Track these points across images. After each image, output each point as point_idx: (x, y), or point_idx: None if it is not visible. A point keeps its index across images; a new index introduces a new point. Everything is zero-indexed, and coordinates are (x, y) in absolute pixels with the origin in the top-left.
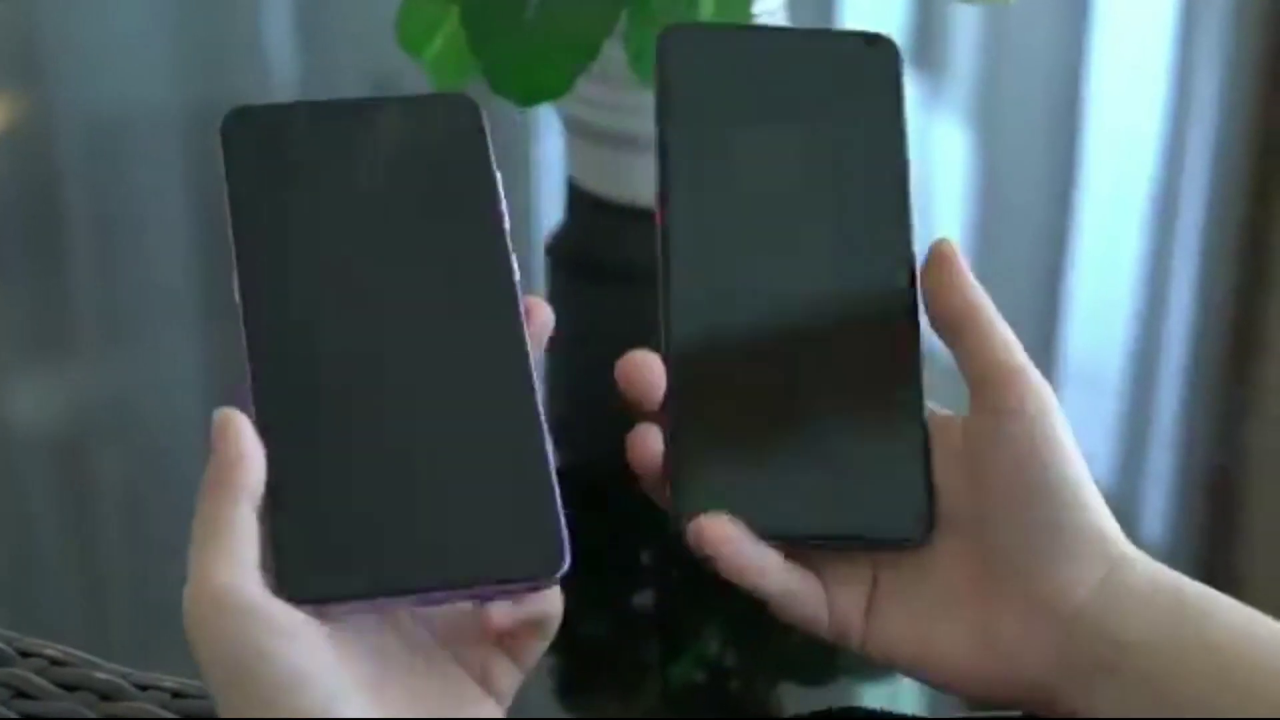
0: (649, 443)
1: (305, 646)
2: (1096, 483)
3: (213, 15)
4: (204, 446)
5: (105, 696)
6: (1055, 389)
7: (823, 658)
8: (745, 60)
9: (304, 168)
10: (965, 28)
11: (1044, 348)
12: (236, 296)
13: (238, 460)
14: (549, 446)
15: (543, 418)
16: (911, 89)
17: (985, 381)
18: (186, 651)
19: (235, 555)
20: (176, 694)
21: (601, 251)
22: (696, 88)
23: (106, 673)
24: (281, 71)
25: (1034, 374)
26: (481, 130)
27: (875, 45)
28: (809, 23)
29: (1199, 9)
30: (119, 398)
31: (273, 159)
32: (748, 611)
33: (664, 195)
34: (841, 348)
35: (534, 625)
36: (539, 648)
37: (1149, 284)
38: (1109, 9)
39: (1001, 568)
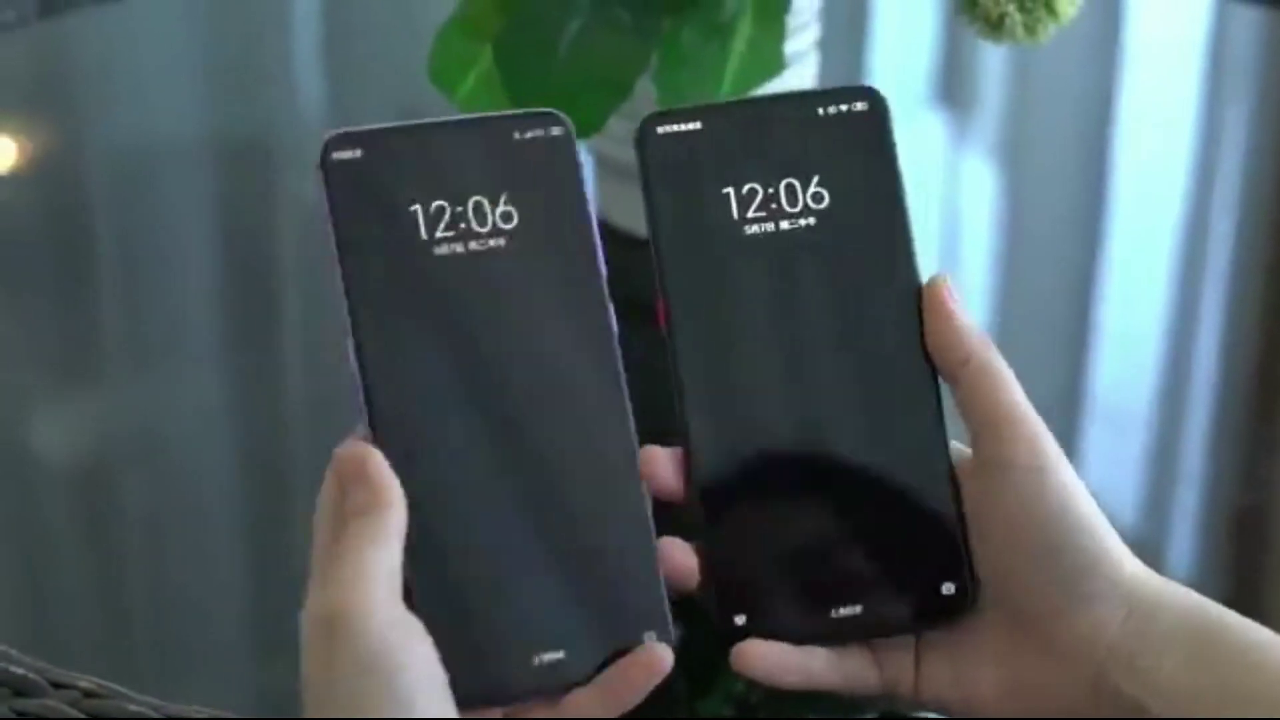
0: (677, 557)
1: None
2: (1123, 519)
3: (243, 48)
4: (227, 475)
5: None
6: (1082, 424)
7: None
8: (729, 137)
9: (410, 201)
10: (993, 64)
11: (1071, 383)
12: (350, 348)
13: (388, 502)
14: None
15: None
16: (940, 125)
17: (983, 431)
18: (213, 682)
19: (383, 590)
20: None
21: (633, 289)
22: (683, 177)
23: (139, 705)
24: (311, 106)
25: (1031, 423)
26: (575, 153)
27: (863, 99)
28: (841, 61)
29: (1227, 44)
30: (145, 426)
31: (377, 191)
32: None
33: (665, 298)
34: (863, 432)
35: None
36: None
37: (1177, 320)
38: (1139, 44)
39: (1024, 619)
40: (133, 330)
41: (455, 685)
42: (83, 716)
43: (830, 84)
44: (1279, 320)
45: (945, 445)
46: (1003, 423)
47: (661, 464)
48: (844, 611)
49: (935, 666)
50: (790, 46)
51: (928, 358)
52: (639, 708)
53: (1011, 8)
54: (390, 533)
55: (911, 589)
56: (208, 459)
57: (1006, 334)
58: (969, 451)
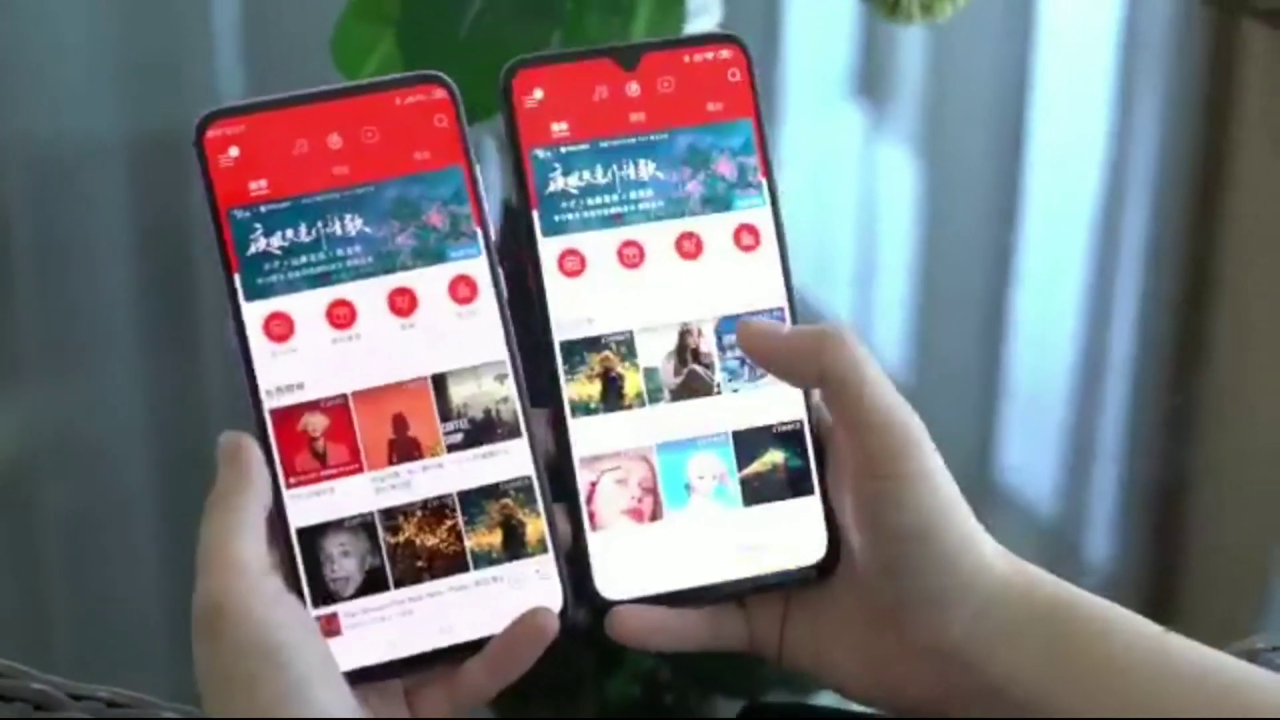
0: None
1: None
2: (1039, 497)
3: (159, 40)
4: (149, 475)
5: None
6: (999, 406)
7: (755, 670)
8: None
9: (291, 172)
10: (910, 52)
11: (989, 367)
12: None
13: (248, 483)
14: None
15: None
16: (858, 115)
17: (849, 435)
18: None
19: (254, 574)
20: None
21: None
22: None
23: (172, 713)
24: (222, 94)
25: (899, 427)
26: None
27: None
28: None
29: (1139, 28)
30: (64, 426)
31: (255, 165)
32: None
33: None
34: (729, 391)
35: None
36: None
37: (1091, 303)
38: (1052, 31)
39: (879, 610)
40: (49, 330)
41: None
42: None
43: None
44: (1191, 302)
45: (810, 409)
46: (874, 431)
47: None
48: (712, 576)
49: (799, 634)
50: (691, 29)
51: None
52: (546, 686)
53: None
54: (250, 515)
55: (774, 552)
56: (130, 458)
57: (925, 322)
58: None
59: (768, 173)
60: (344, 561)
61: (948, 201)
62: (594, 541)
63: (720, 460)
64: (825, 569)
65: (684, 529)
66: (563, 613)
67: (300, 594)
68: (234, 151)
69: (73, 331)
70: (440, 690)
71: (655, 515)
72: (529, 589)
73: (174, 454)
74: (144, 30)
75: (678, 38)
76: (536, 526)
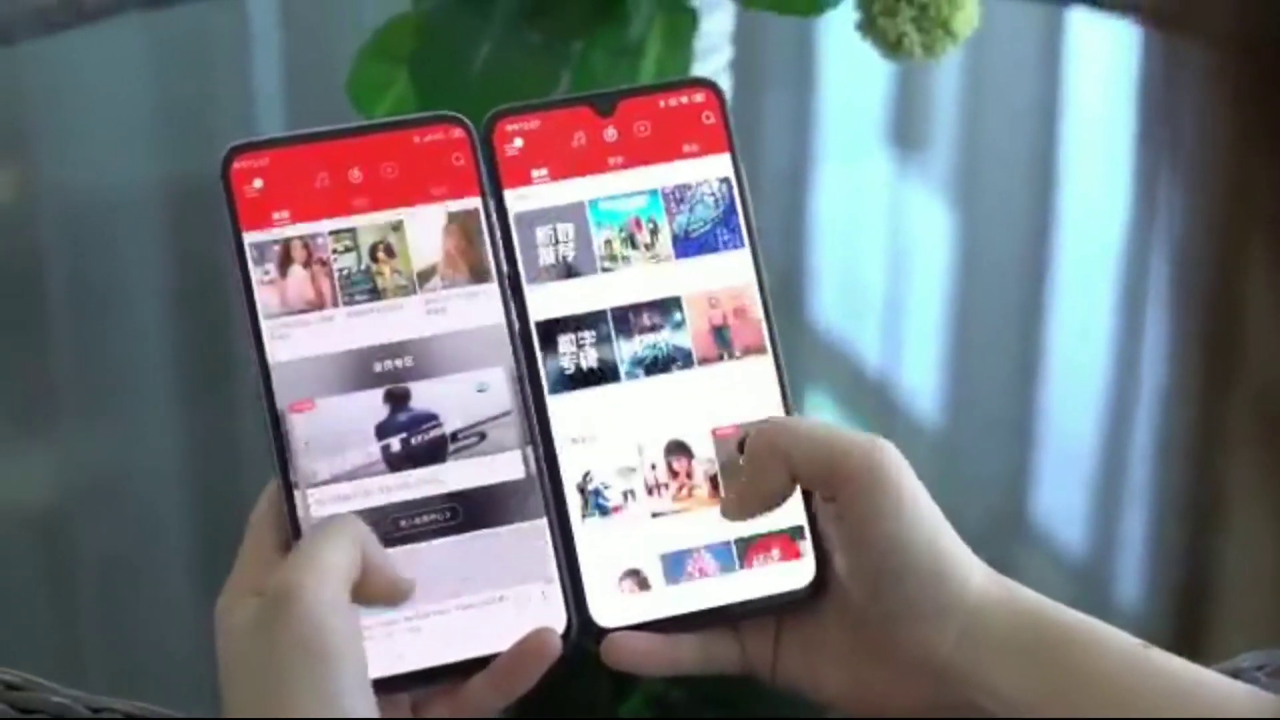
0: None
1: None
2: (1071, 542)
3: (199, 86)
4: (184, 520)
5: None
6: (1031, 451)
7: (764, 691)
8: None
9: (313, 209)
10: (942, 101)
11: (1020, 410)
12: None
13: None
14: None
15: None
16: (891, 163)
17: (812, 480)
18: None
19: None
20: None
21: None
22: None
23: None
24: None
25: (855, 450)
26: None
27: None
28: (788, 100)
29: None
30: (99, 469)
31: (279, 200)
32: None
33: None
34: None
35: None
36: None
37: (1121, 347)
38: (1081, 81)
39: (866, 629)
40: (85, 375)
41: None
42: None
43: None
44: (1220, 345)
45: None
46: (832, 464)
47: None
48: (704, 600)
49: (791, 654)
50: (700, 69)
51: (779, 361)
52: (560, 708)
53: (909, 28)
54: (349, 534)
55: (763, 579)
56: (164, 502)
57: (956, 367)
58: None
59: (746, 213)
60: None
61: (979, 248)
62: (587, 568)
63: (720, 562)
64: (816, 589)
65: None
66: (565, 634)
67: None
68: (258, 183)
69: (108, 376)
70: (445, 705)
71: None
72: (534, 610)
73: (207, 498)
74: (180, 78)
75: (652, 83)
76: (543, 550)
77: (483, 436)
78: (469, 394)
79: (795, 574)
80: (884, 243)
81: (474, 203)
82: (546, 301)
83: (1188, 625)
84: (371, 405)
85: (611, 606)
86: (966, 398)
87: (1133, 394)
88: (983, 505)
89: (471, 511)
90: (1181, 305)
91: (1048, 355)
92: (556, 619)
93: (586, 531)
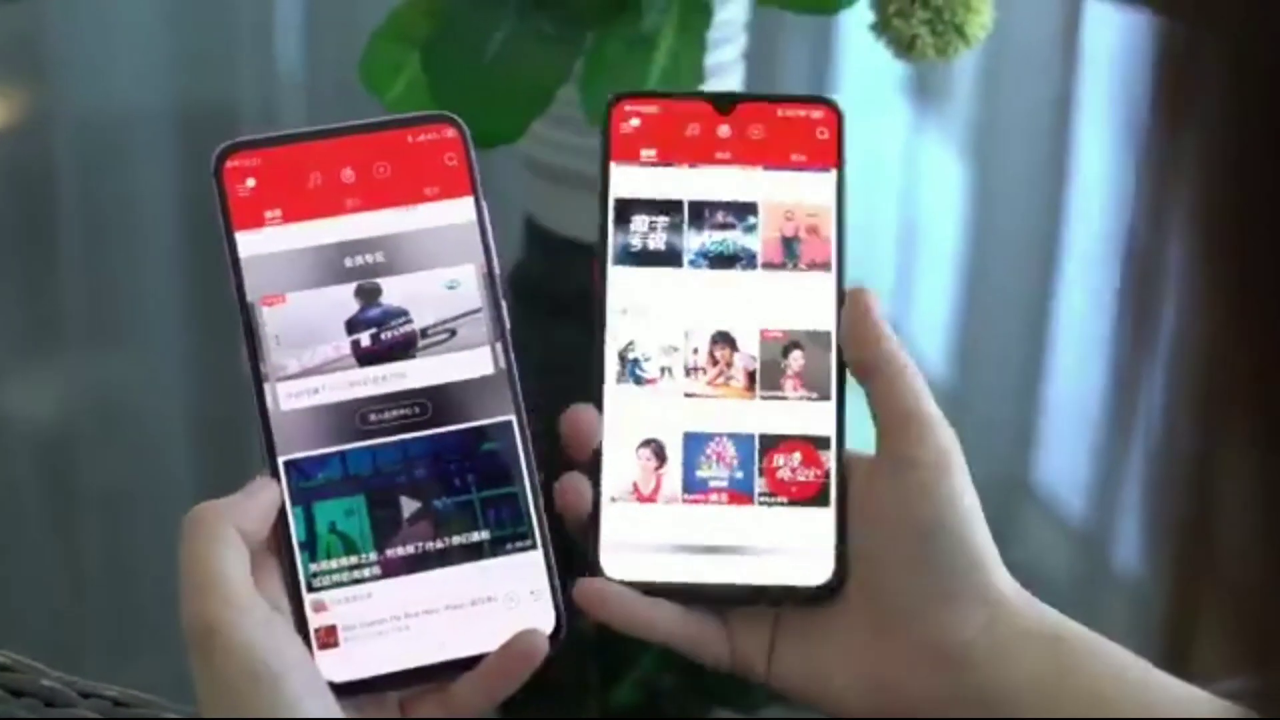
0: (577, 491)
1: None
2: (1075, 505)
3: (212, 17)
4: (191, 449)
5: None
6: (1040, 410)
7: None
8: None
9: (307, 207)
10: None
11: (1030, 370)
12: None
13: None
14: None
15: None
16: (906, 119)
17: (888, 427)
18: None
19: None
20: None
21: (558, 285)
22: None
23: (175, 713)
24: (283, 77)
25: (936, 423)
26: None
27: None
28: (808, 53)
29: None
30: (107, 397)
31: (273, 198)
32: None
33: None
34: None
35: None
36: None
37: (1133, 313)
38: (1098, 41)
39: (890, 609)
40: (92, 303)
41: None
42: None
43: (781, 79)
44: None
45: (842, 419)
46: (912, 422)
47: (585, 420)
48: (705, 574)
49: (789, 653)
50: (714, 58)
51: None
52: (551, 692)
53: (923, 30)
54: (222, 537)
55: (777, 568)
56: (172, 432)
57: (967, 325)
58: (868, 453)
59: (839, 227)
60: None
61: (993, 204)
62: (606, 514)
63: (740, 454)
64: (833, 589)
65: (695, 517)
66: (554, 635)
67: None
68: (250, 182)
69: (115, 305)
70: (434, 704)
71: (670, 499)
72: (523, 610)
73: (212, 428)
74: (197, 5)
75: (777, 94)
76: (534, 552)
77: (452, 333)
78: (439, 291)
79: (814, 567)
80: (899, 197)
81: (467, 203)
82: (628, 181)
83: (1187, 598)
84: (342, 300)
85: (620, 558)
86: (976, 355)
87: (1143, 358)
88: (988, 465)
89: (441, 407)
90: (1195, 270)
91: (1059, 315)
92: (546, 619)
93: (617, 395)
